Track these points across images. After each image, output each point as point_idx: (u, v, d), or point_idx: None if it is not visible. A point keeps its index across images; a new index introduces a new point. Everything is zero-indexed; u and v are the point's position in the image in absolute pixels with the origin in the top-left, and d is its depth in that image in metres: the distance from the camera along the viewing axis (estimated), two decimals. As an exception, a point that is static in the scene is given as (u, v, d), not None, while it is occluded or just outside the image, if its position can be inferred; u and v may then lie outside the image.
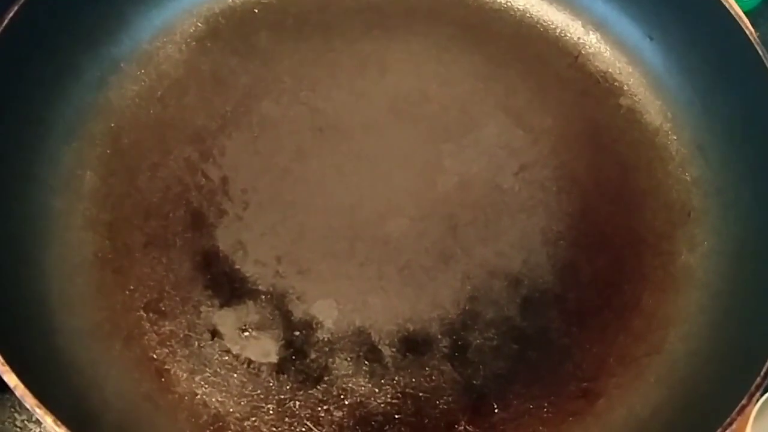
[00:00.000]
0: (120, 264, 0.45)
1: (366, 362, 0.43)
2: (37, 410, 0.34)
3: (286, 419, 0.42)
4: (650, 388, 0.43)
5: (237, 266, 0.45)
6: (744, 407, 0.38)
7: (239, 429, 0.41)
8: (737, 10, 0.47)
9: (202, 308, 0.44)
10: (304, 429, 0.41)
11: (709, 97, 0.50)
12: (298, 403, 0.42)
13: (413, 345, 0.44)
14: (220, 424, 0.41)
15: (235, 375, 0.42)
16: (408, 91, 0.51)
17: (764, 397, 0.45)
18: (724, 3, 0.47)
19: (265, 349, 0.43)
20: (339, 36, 0.52)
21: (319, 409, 0.42)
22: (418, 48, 0.52)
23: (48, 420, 0.33)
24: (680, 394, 0.42)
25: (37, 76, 0.45)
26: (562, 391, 0.43)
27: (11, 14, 0.42)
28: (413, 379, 0.43)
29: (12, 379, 0.34)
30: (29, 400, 0.34)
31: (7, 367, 0.34)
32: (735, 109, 0.49)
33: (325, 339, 0.44)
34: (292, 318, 0.44)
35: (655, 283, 0.46)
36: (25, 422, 0.47)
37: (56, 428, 0.33)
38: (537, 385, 0.43)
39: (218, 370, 0.42)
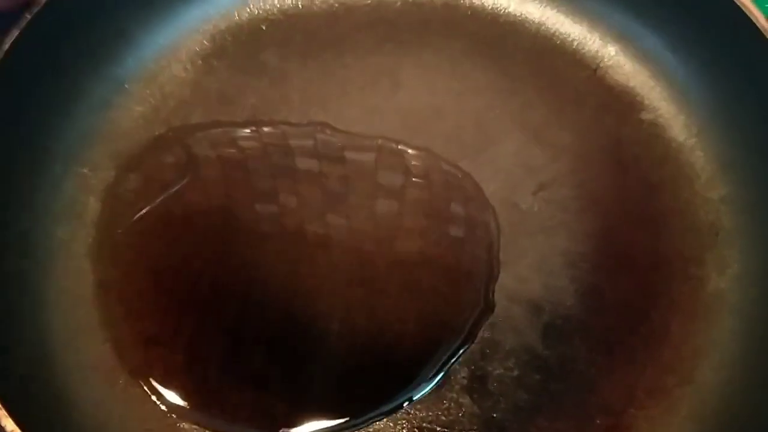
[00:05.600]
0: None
1: (381, 395, 0.41)
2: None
3: (298, 456, 0.40)
4: (682, 422, 0.41)
5: (246, 294, 0.43)
6: (783, 442, 0.36)
7: (249, 468, 0.40)
8: (762, 21, 0.45)
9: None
10: (316, 466, 0.40)
11: (735, 111, 0.48)
12: (310, 438, 0.40)
13: (430, 376, 0.42)
14: (229, 462, 0.40)
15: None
16: (421, 107, 0.49)
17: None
18: (749, 13, 0.45)
19: (275, 381, 0.41)
20: (349, 51, 0.51)
21: (333, 445, 0.40)
22: (432, 62, 0.51)
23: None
24: (714, 427, 0.40)
25: (39, 100, 0.44)
26: (587, 424, 0.41)
27: (12, 38, 0.41)
28: (430, 413, 0.41)
29: (9, 424, 0.32)
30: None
31: (3, 411, 0.33)
32: (763, 122, 0.47)
33: (338, 370, 0.42)
34: (303, 348, 0.42)
35: (684, 309, 0.44)
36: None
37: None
38: (561, 418, 0.41)
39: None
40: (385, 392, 0.41)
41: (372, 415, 0.40)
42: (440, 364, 0.41)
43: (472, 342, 0.42)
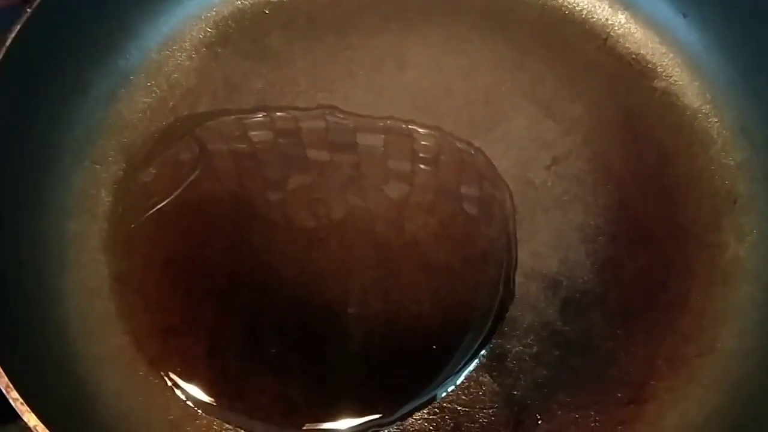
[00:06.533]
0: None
1: (400, 376, 0.41)
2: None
3: (320, 439, 0.40)
4: (703, 392, 0.41)
5: (260, 281, 0.43)
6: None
7: (272, 455, 0.40)
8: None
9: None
10: (338, 449, 0.40)
11: (750, 75, 0.47)
12: (331, 422, 0.40)
13: (448, 355, 0.42)
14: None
15: (265, 397, 0.41)
16: (429, 85, 0.49)
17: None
18: (762, -28, 0.44)
19: (293, 366, 0.41)
20: (354, 32, 0.50)
21: (354, 427, 0.40)
22: (438, 40, 0.50)
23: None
24: (736, 396, 0.40)
25: (44, 97, 0.44)
26: (608, 398, 0.41)
27: (13, 34, 0.40)
28: (450, 393, 0.41)
29: (32, 419, 0.33)
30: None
31: (26, 406, 0.33)
32: (780, 85, 0.46)
33: (356, 352, 0.42)
34: (321, 332, 0.42)
35: (702, 278, 0.43)
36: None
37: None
38: (582, 392, 0.41)
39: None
40: (411, 380, 0.40)
41: (401, 409, 0.40)
42: (472, 352, 0.41)
43: (495, 331, 0.41)
